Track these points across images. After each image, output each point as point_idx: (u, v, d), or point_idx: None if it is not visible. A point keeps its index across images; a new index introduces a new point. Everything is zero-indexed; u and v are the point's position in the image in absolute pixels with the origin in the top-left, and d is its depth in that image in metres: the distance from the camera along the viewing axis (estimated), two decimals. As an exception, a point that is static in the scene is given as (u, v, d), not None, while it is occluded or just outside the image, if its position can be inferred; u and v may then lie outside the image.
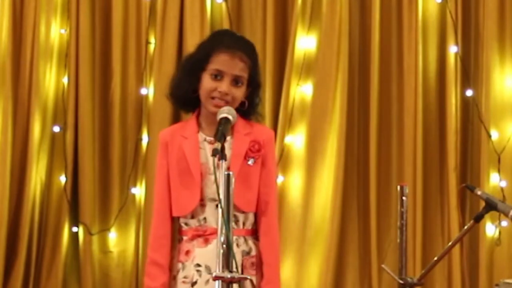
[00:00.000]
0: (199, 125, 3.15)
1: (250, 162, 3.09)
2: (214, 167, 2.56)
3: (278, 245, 3.19)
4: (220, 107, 3.01)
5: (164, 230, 3.14)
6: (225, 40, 3.13)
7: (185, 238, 3.13)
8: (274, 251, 3.15)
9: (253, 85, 3.15)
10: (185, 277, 3.10)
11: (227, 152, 3.00)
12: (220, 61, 3.07)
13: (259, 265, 3.13)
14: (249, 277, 2.57)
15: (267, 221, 3.13)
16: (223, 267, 2.48)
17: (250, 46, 3.18)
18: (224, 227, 2.48)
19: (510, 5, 5.15)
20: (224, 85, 3.06)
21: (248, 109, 3.15)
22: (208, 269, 3.06)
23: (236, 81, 3.09)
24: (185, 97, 3.15)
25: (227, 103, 3.05)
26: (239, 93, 3.09)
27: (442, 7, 5.23)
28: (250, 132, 3.13)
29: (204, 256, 3.06)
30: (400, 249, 3.06)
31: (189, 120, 3.18)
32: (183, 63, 3.21)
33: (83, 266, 5.51)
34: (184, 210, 3.11)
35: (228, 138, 3.06)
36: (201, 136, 3.13)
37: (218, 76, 3.08)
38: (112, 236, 5.56)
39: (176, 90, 3.17)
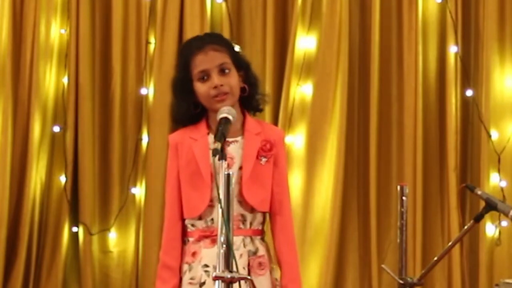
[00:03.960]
0: (208, 127, 3.15)
1: (263, 161, 3.10)
2: (215, 167, 2.55)
3: (295, 243, 3.19)
4: (224, 101, 3.03)
5: (175, 232, 3.13)
6: (192, 45, 3.15)
7: (191, 239, 3.12)
8: (291, 249, 3.16)
9: (243, 67, 3.16)
10: (192, 278, 3.09)
11: (238, 151, 3.06)
12: (198, 63, 3.09)
13: (268, 265, 3.13)
14: (249, 277, 2.57)
15: (282, 220, 3.16)
16: (223, 267, 2.49)
17: (216, 35, 3.26)
18: (224, 227, 2.47)
19: (510, 5, 5.16)
20: (214, 79, 3.07)
21: (250, 92, 3.14)
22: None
23: (222, 70, 3.09)
24: (189, 116, 3.15)
25: (227, 94, 3.05)
26: (232, 79, 3.10)
27: (442, 7, 5.23)
28: (261, 132, 3.13)
29: (211, 256, 3.03)
30: (400, 249, 3.06)
31: (199, 123, 3.17)
32: (173, 89, 3.20)
33: (83, 266, 5.50)
34: (194, 212, 3.10)
35: (239, 138, 3.10)
36: (211, 137, 3.10)
37: (204, 76, 3.08)
38: (112, 236, 5.56)
39: (179, 116, 3.17)
